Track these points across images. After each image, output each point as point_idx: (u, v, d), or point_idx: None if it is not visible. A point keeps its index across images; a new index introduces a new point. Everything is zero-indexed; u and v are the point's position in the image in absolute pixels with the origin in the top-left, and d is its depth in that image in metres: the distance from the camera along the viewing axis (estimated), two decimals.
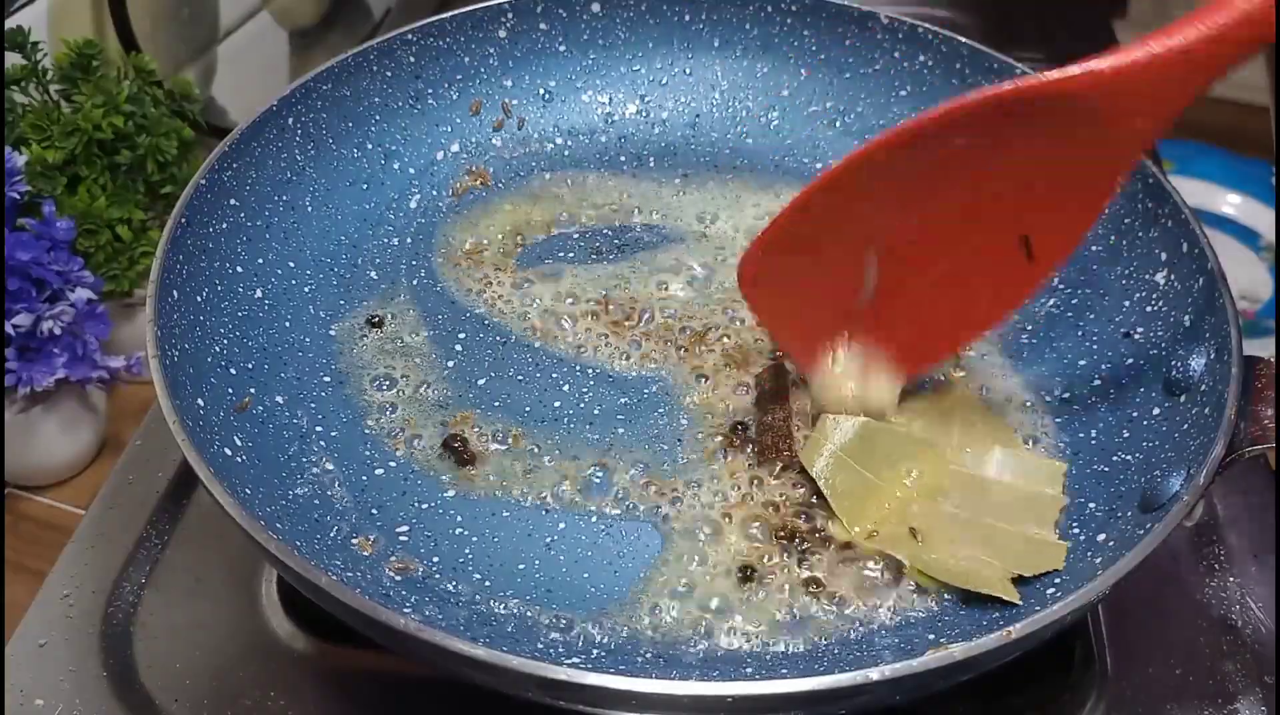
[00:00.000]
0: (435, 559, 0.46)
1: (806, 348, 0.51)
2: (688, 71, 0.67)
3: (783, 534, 0.47)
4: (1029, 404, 0.52)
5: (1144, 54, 0.40)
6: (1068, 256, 0.48)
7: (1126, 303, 0.53)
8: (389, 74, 0.61)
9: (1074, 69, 0.41)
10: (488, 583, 0.45)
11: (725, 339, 0.56)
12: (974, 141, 0.44)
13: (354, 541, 0.46)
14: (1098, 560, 0.43)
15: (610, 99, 0.67)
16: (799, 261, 0.49)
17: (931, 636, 0.43)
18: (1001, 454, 0.49)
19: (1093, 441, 0.50)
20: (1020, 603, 0.43)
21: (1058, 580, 0.43)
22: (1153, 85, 0.40)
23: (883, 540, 0.47)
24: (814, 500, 0.48)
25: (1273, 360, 0.45)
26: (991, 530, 0.46)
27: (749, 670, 0.43)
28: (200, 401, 0.46)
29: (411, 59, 0.61)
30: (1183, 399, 0.47)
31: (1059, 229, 0.46)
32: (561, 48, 0.66)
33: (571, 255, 0.60)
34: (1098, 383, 0.52)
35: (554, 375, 0.54)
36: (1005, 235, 0.47)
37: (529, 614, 0.44)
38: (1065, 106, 0.41)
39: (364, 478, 0.49)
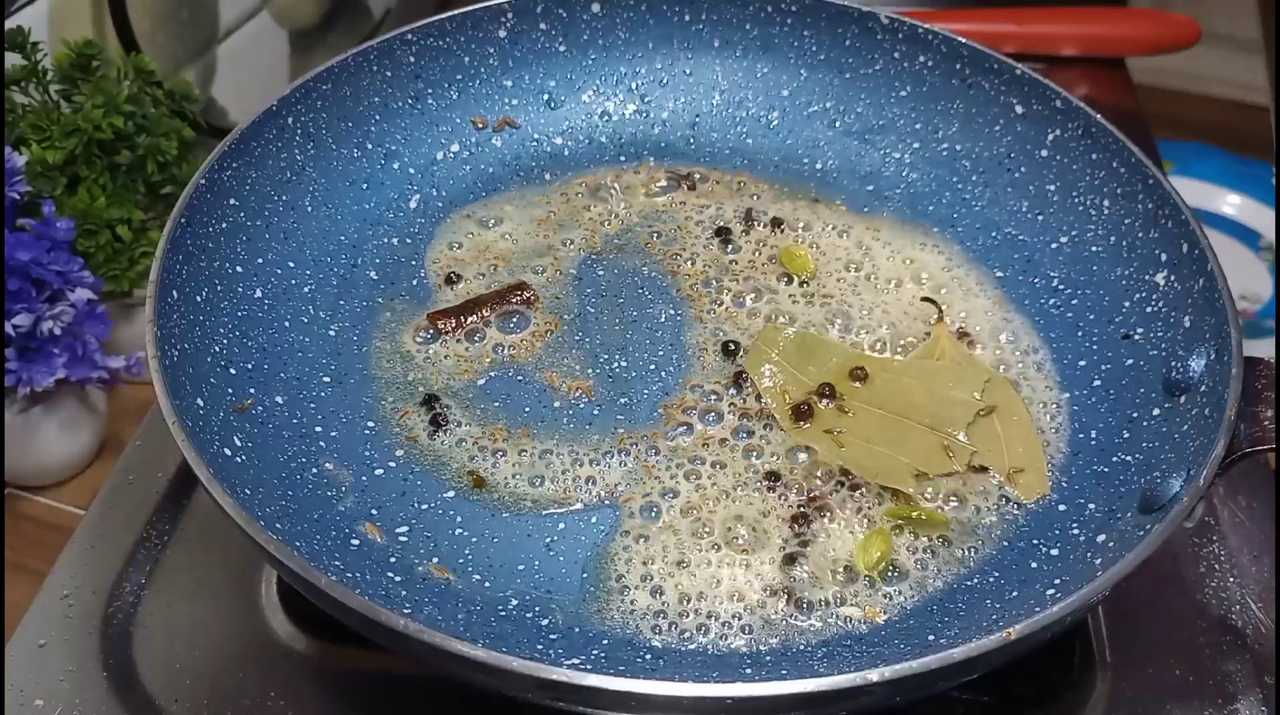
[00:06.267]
0: (435, 559, 0.46)
1: None
2: (688, 71, 0.67)
3: (794, 530, 0.47)
4: (1026, 404, 0.52)
5: None
6: None
7: (1126, 303, 0.53)
8: (389, 74, 0.61)
9: None
10: (488, 583, 0.45)
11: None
12: None
13: (354, 542, 0.46)
14: (1098, 561, 0.43)
15: (610, 99, 0.67)
16: None
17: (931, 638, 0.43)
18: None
19: (1093, 442, 0.50)
20: (911, 491, 0.47)
21: (1058, 581, 0.43)
22: None
23: (808, 435, 0.50)
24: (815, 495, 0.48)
25: (1273, 360, 0.45)
26: (907, 430, 0.50)
27: (749, 670, 0.43)
28: (200, 401, 0.46)
29: (411, 59, 0.61)
30: (1183, 400, 0.47)
31: None
32: (561, 48, 0.66)
33: (571, 255, 0.60)
34: (1097, 383, 0.52)
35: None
36: None
37: (529, 614, 0.44)
38: None
39: (364, 478, 0.49)
